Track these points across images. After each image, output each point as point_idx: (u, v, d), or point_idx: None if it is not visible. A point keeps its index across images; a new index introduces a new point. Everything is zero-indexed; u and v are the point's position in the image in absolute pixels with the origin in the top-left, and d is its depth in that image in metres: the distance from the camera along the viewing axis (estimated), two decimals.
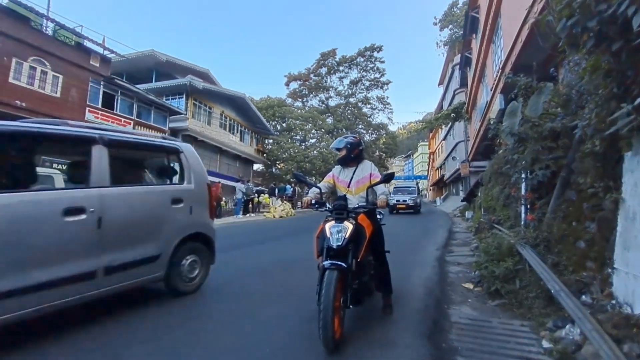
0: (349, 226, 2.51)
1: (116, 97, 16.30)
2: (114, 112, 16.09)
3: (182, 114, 19.77)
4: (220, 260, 5.67)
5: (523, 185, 4.71)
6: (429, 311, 3.22)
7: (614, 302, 2.44)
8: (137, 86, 17.48)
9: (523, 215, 4.71)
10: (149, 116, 17.98)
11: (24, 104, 12.41)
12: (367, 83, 37.71)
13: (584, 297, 2.77)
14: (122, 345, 2.42)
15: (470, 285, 4.15)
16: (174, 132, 20.02)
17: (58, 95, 13.77)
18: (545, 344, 2.49)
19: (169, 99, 20.23)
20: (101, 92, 15.52)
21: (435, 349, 2.46)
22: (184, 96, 20.55)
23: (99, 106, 15.39)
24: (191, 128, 20.51)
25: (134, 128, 16.77)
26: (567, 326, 2.50)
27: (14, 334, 2.44)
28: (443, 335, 2.75)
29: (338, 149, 3.11)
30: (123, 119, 16.39)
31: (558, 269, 3.30)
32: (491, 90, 12.45)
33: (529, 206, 4.66)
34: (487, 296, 3.70)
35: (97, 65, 15.32)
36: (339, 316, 2.36)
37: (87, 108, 14.81)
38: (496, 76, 11.25)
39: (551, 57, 6.57)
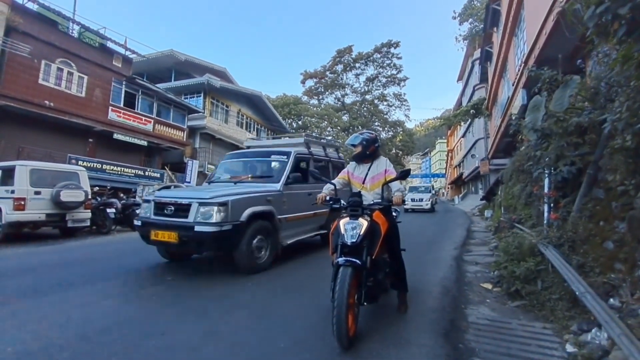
0: (363, 223, 2.48)
1: (137, 97, 16.77)
2: (136, 111, 16.57)
3: (200, 112, 20.14)
4: None
5: (546, 183, 4.52)
6: (446, 310, 3.15)
7: None
8: (157, 85, 17.92)
9: (546, 214, 4.53)
10: (168, 115, 18.41)
11: (52, 104, 12.95)
12: (384, 80, 37.27)
13: (611, 300, 2.63)
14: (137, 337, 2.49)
15: (488, 286, 4.03)
16: (192, 131, 20.45)
17: (83, 95, 14.30)
18: (570, 348, 2.38)
19: (187, 98, 20.64)
20: (123, 92, 16.00)
21: (452, 349, 2.40)
22: (202, 95, 20.92)
23: (121, 105, 15.88)
24: (209, 126, 20.87)
25: (154, 127, 17.24)
26: (593, 330, 2.38)
27: None
28: (460, 336, 2.68)
29: (353, 145, 3.07)
30: (144, 118, 16.86)
31: (583, 271, 3.15)
32: (513, 85, 12.02)
33: (552, 205, 4.47)
34: (507, 297, 3.59)
35: (120, 65, 15.81)
36: (353, 313, 2.34)
37: (110, 107, 15.31)
38: (518, 70, 10.85)
39: (578, 49, 6.27)
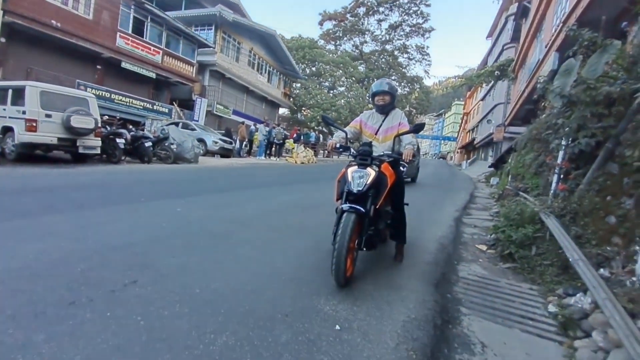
0: (371, 173, 2.49)
1: (146, 24, 15.96)
2: (144, 39, 15.88)
3: (210, 46, 19.27)
4: (245, 196, 5.96)
5: (561, 153, 4.42)
6: (439, 264, 3.29)
7: (634, 279, 2.38)
8: (167, 13, 16.93)
9: (554, 185, 4.50)
10: (177, 47, 17.67)
11: (58, 25, 12.40)
12: (408, 29, 34.85)
13: (602, 270, 2.72)
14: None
15: (483, 247, 4.16)
16: (202, 67, 19.79)
17: (90, 17, 13.62)
18: (552, 308, 2.52)
19: (197, 30, 19.61)
20: (132, 17, 15.20)
21: (440, 297, 2.56)
22: (213, 28, 19.84)
23: (130, 32, 15.19)
24: (219, 63, 20.12)
25: (162, 58, 16.65)
26: (578, 295, 2.50)
27: None
28: (449, 287, 2.85)
29: (380, 93, 2.93)
30: (152, 48, 16.21)
31: (580, 242, 3.22)
32: (546, 47, 11.19)
33: (562, 176, 4.42)
34: (499, 259, 3.72)
35: None
36: (352, 256, 2.46)
37: (118, 33, 14.67)
38: (555, 31, 10.01)
39: (625, 12, 5.71)
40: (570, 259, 2.70)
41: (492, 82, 22.83)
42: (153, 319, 1.80)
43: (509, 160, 10.59)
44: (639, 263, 2.49)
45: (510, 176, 8.80)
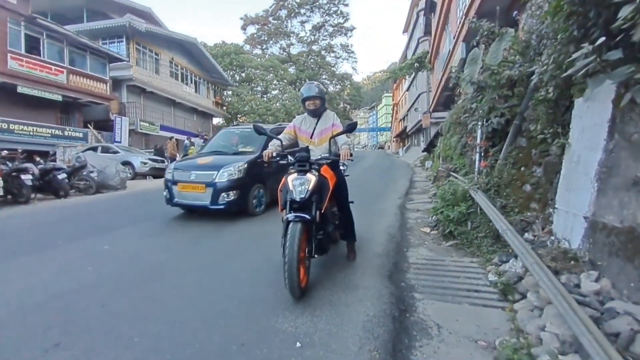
0: (311, 178, 2.45)
1: (42, 41, 14.01)
2: (42, 58, 13.93)
3: (123, 60, 17.63)
4: (183, 219, 5.51)
5: (479, 134, 4.88)
6: (390, 255, 3.40)
7: (552, 238, 2.70)
8: (66, 27, 15.07)
9: (477, 163, 4.95)
10: (84, 63, 15.82)
11: None
12: (331, 29, 35.96)
13: (526, 234, 3.04)
14: None
15: (427, 229, 4.42)
16: (117, 82, 18.07)
17: None
18: (491, 277, 2.75)
19: (106, 43, 17.82)
20: (23, 35, 13.22)
21: (395, 288, 2.63)
22: (124, 40, 18.19)
23: (23, 52, 13.20)
24: (137, 77, 18.52)
25: (68, 77, 14.80)
26: (511, 260, 2.76)
27: None
28: (402, 275, 2.95)
29: (310, 98, 2.89)
30: (54, 67, 14.29)
31: (505, 211, 3.57)
32: (454, 38, 12.34)
33: (482, 154, 4.88)
34: (442, 238, 3.98)
35: (14, 2, 12.82)
36: (304, 266, 2.40)
37: (9, 54, 12.66)
38: (459, 23, 11.08)
39: (515, 2, 6.52)
40: (500, 230, 2.96)
41: (413, 73, 24.63)
42: None
43: (438, 143, 11.48)
44: (554, 223, 2.83)
45: (441, 159, 9.54)
